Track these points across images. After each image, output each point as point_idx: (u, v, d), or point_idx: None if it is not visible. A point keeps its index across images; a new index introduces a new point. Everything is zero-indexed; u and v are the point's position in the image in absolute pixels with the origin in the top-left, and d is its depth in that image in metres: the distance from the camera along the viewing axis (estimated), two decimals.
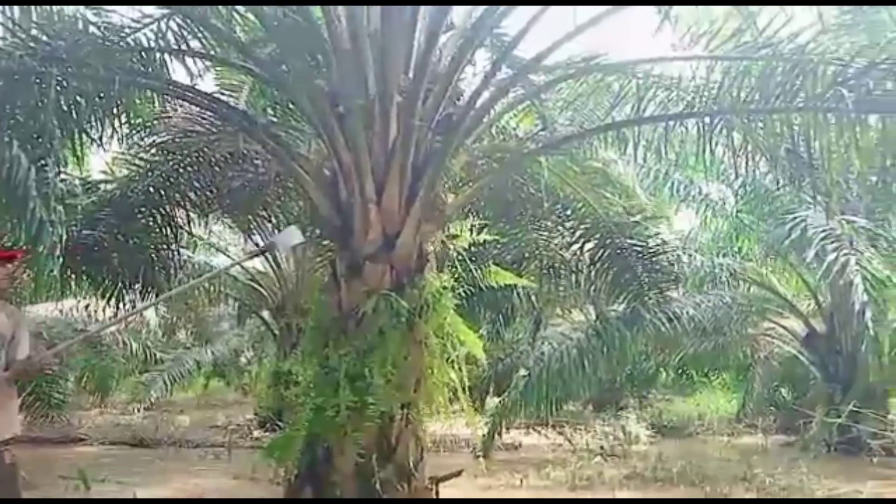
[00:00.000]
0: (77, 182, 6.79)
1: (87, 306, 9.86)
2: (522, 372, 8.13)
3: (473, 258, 8.15)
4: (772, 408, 11.19)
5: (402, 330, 4.02)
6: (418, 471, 4.02)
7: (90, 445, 8.68)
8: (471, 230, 5.34)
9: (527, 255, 7.75)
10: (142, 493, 5.40)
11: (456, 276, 5.40)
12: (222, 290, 10.89)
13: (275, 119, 4.84)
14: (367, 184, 4.15)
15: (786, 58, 4.08)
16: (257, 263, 10.44)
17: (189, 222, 7.07)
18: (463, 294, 8.32)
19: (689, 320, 7.85)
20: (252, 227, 7.82)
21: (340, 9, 4.19)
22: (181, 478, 6.09)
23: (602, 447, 8.10)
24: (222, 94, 5.54)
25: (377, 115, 4.10)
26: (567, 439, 8.76)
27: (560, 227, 7.27)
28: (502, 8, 4.18)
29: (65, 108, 4.65)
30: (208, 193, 6.67)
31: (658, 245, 7.25)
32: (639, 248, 7.06)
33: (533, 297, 8.88)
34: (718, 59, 4.45)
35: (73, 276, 8.10)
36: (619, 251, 7.02)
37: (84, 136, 5.26)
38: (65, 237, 6.98)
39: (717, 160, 6.39)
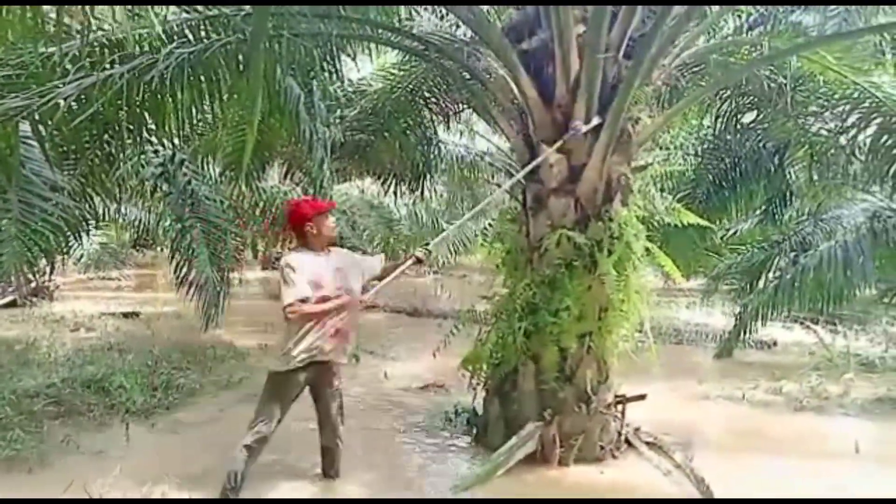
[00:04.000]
0: (341, 96, 7.91)
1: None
2: (779, 267, 7.60)
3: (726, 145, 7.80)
4: None
5: (583, 263, 4.16)
6: (598, 394, 4.27)
7: (378, 312, 10.44)
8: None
9: (792, 141, 7.21)
10: (392, 367, 6.54)
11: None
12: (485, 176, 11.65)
13: (468, 51, 4.95)
14: (550, 118, 4.20)
15: None
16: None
17: (434, 122, 7.89)
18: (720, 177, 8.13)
19: None
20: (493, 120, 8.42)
21: None
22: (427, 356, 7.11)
23: (867, 357, 7.27)
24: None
25: (556, 48, 4.02)
26: (822, 342, 7.97)
27: (829, 113, 6.46)
28: None
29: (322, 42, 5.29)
30: (448, 98, 7.35)
31: None
32: None
33: (815, 179, 8.11)
34: None
35: (353, 170, 9.80)
36: None
37: (340, 61, 6.05)
38: (340, 141, 8.38)
39: None
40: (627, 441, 4.47)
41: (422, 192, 9.37)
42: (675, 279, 7.87)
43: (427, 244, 3.90)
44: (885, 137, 6.07)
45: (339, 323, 3.58)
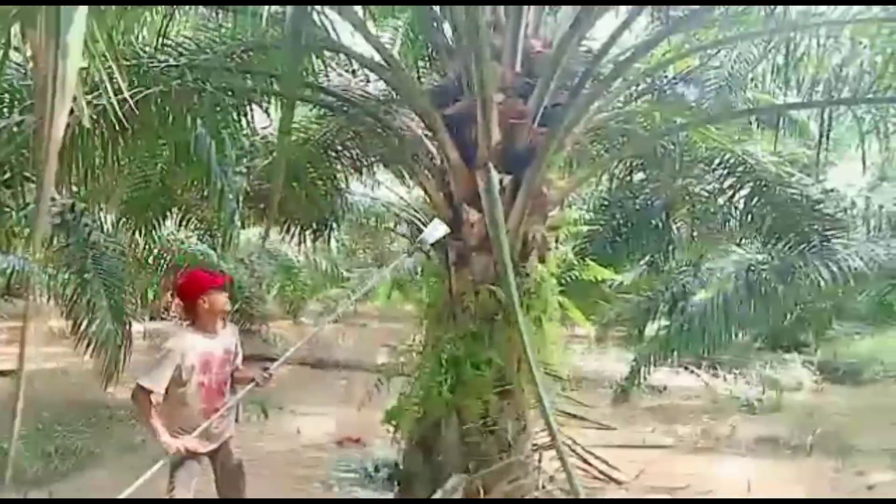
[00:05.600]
0: (247, 146, 7.86)
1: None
2: (664, 322, 8.16)
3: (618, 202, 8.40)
4: None
5: (504, 317, 4.34)
6: (518, 443, 4.43)
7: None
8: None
9: (676, 199, 7.86)
10: (303, 422, 6.42)
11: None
12: (390, 225, 11.79)
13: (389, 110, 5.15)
14: (471, 179, 4.41)
15: None
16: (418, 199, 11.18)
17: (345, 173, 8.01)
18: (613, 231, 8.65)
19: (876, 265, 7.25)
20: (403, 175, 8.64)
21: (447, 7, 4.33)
22: (341, 407, 7.05)
23: (747, 399, 7.91)
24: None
25: (479, 115, 4.26)
26: (707, 385, 8.61)
27: (708, 176, 7.17)
28: None
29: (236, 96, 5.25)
30: (358, 152, 7.49)
31: (821, 193, 6.91)
32: (797, 197, 6.70)
33: (695, 234, 8.86)
34: None
35: (254, 218, 9.66)
36: (774, 199, 6.74)
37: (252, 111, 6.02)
38: (247, 190, 8.25)
39: None
40: (544, 488, 4.63)
41: (327, 241, 9.35)
42: (574, 324, 8.31)
43: (267, 369, 3.66)
44: (756, 199, 6.80)
45: (220, 411, 3.48)
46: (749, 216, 7.07)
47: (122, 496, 3.05)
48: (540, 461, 4.63)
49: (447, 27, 4.46)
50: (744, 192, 6.89)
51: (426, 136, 4.72)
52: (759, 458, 5.80)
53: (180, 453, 3.32)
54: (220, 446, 3.58)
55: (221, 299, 3.53)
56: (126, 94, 4.16)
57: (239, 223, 7.57)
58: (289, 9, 2.50)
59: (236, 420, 5.85)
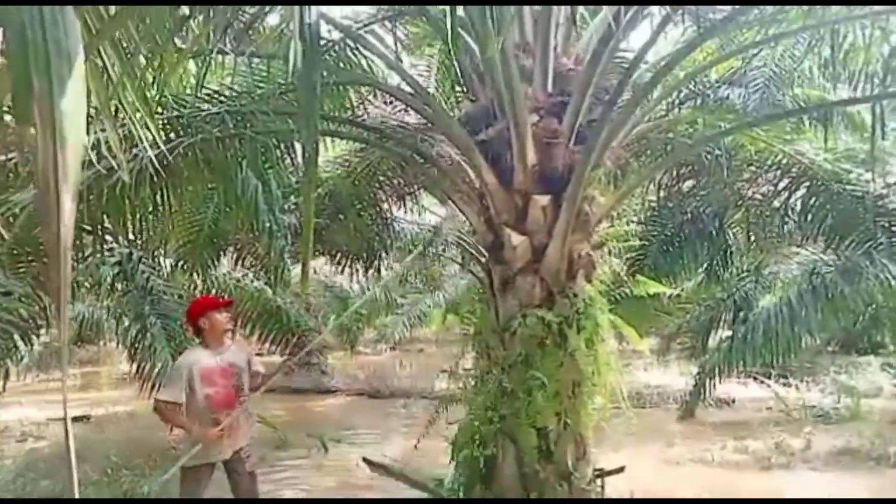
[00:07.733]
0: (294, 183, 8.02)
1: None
2: (728, 332, 7.88)
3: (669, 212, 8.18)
4: None
5: (554, 340, 4.25)
6: (578, 470, 4.30)
7: (337, 396, 10.25)
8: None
9: (730, 205, 7.61)
10: (363, 454, 6.41)
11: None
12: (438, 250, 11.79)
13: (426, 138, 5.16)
14: (511, 202, 4.37)
15: None
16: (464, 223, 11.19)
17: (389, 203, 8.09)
18: (666, 241, 8.43)
19: None
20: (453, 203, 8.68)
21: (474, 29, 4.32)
22: (401, 436, 7.01)
23: (822, 408, 7.52)
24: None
25: (513, 138, 4.23)
26: (778, 396, 8.22)
27: (760, 179, 6.94)
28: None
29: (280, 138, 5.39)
30: (401, 181, 7.56)
31: (884, 188, 6.61)
32: (857, 194, 6.41)
33: (753, 239, 8.57)
34: None
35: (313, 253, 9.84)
36: (833, 198, 6.45)
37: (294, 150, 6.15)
38: (296, 226, 8.40)
39: None
40: None
41: (378, 270, 9.40)
42: (631, 341, 8.09)
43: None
44: (813, 199, 6.52)
45: (229, 422, 3.82)
46: (808, 217, 6.78)
47: None
48: (603, 488, 4.48)
49: (476, 51, 4.45)
50: (800, 192, 6.63)
51: (464, 161, 4.70)
52: (838, 472, 5.49)
53: (216, 437, 3.71)
54: (232, 455, 3.91)
55: (221, 319, 3.96)
56: (170, 145, 4.35)
57: (289, 259, 7.70)
58: (297, 52, 2.49)
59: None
